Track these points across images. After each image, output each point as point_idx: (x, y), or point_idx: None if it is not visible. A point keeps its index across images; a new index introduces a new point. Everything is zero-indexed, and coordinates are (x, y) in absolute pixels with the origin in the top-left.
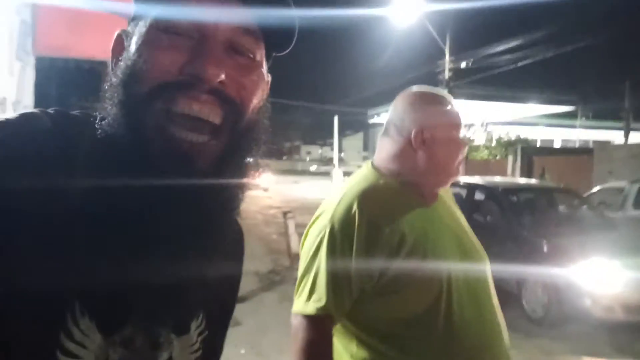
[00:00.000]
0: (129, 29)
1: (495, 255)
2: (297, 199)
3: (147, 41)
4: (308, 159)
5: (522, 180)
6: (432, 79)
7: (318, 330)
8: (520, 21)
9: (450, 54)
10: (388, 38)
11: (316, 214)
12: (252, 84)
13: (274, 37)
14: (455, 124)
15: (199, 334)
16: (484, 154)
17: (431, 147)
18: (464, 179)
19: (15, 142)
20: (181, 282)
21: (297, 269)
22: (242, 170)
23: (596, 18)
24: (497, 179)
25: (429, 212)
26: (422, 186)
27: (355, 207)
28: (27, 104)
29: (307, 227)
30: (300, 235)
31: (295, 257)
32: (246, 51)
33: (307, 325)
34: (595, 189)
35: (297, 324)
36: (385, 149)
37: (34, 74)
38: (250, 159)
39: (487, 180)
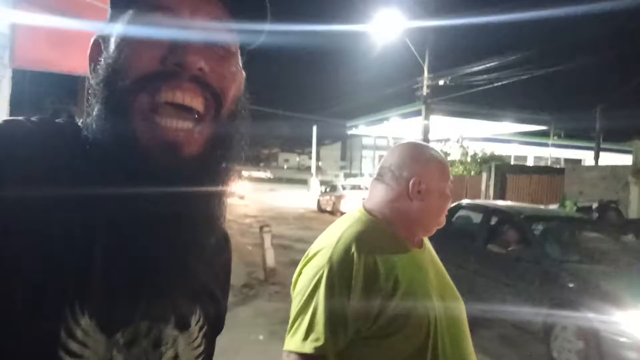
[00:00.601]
0: (106, 32)
1: (517, 292)
2: (274, 207)
3: (126, 39)
4: (286, 166)
5: (548, 208)
6: (411, 95)
7: None
8: (497, 42)
9: (429, 72)
10: (368, 53)
11: (309, 253)
12: (229, 73)
13: (246, 30)
14: (447, 179)
15: (200, 329)
16: (459, 169)
17: (425, 198)
18: (477, 202)
19: (2, 145)
20: (178, 276)
21: (272, 284)
22: (227, 161)
23: (569, 42)
24: (518, 204)
25: (416, 258)
26: (412, 233)
27: (353, 249)
28: (2, 117)
29: (300, 265)
30: (276, 248)
31: (270, 272)
32: (222, 43)
33: None
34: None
35: None
36: (379, 194)
37: (10, 87)
38: (234, 151)
39: (507, 205)
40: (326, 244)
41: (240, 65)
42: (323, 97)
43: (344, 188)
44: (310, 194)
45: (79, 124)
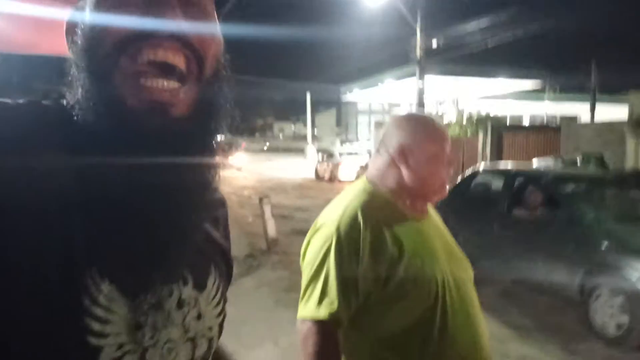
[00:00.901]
0: (80, 3)
1: (548, 257)
2: (272, 178)
3: (100, 5)
4: (281, 136)
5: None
6: (405, 56)
7: (329, 334)
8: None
9: (422, 33)
10: (360, 16)
11: (317, 224)
12: (209, 31)
13: None
14: (437, 142)
15: (217, 288)
16: (455, 131)
17: (412, 164)
18: (498, 165)
19: None
20: (191, 236)
21: (274, 253)
22: (215, 120)
23: None
24: (542, 163)
25: (419, 225)
26: (411, 201)
27: (360, 217)
28: None
29: (307, 237)
30: (276, 218)
31: (272, 242)
32: (197, 3)
33: (318, 330)
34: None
35: (306, 329)
36: (377, 165)
37: None
38: (221, 110)
39: (532, 166)
40: (333, 215)
41: (217, 23)
42: (316, 62)
43: (340, 155)
44: (307, 163)
45: (64, 103)
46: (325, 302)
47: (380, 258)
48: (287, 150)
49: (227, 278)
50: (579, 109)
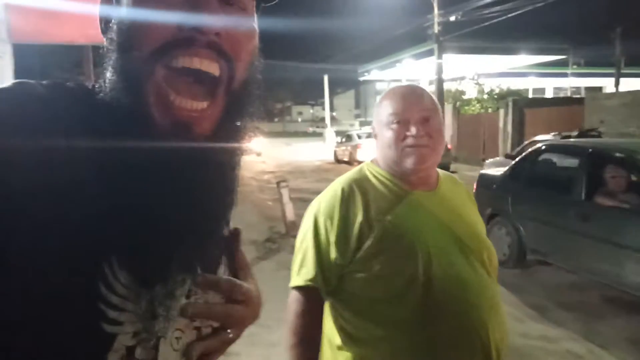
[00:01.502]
0: None
1: None
2: (291, 162)
3: (140, 3)
4: (300, 119)
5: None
6: (422, 33)
7: (306, 300)
8: None
9: (439, 8)
10: None
11: (318, 197)
12: (244, 37)
13: None
14: (394, 104)
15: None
16: (475, 107)
17: (378, 134)
18: (568, 142)
19: (14, 106)
20: (205, 230)
21: (293, 237)
22: (240, 132)
23: None
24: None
25: (417, 199)
26: (402, 173)
27: (339, 191)
28: None
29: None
30: (295, 201)
31: (291, 225)
32: (238, 2)
33: (298, 296)
34: (526, 142)
35: (290, 297)
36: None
37: (13, 62)
38: (247, 121)
39: (614, 144)
40: (322, 194)
41: (256, 23)
42: (332, 43)
43: (359, 137)
44: (326, 146)
45: (90, 86)
46: (303, 271)
47: (351, 229)
48: (306, 134)
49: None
50: (605, 82)
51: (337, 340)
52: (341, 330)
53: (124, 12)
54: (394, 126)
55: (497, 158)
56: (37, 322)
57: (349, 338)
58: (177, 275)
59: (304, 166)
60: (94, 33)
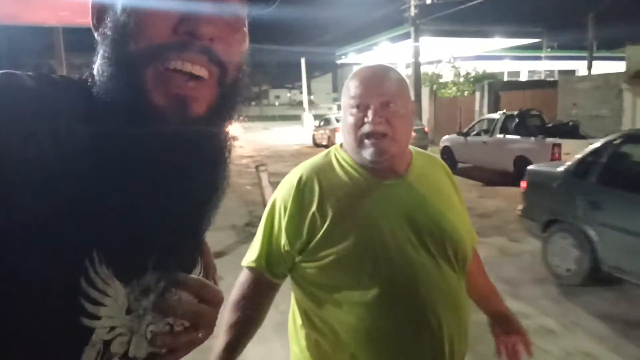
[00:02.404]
0: None
1: None
2: (269, 146)
3: (136, 2)
4: (277, 103)
5: None
6: (398, 16)
7: (249, 278)
8: None
9: None
10: None
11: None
12: (236, 43)
13: None
14: (355, 87)
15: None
16: (452, 91)
17: (341, 119)
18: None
19: (2, 98)
20: (187, 232)
21: None
22: (228, 122)
23: None
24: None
25: (377, 190)
26: (361, 159)
27: (296, 179)
28: None
29: None
30: (274, 185)
31: None
32: (231, 7)
33: (244, 275)
34: (475, 120)
35: (240, 274)
36: None
37: None
38: (235, 114)
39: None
40: (287, 176)
41: (246, 30)
42: (309, 26)
43: (337, 121)
44: (304, 130)
45: (74, 79)
46: (250, 252)
47: (301, 223)
48: (284, 118)
49: (213, 270)
50: (578, 66)
51: (299, 318)
52: (301, 309)
53: (119, 10)
54: (353, 110)
55: (452, 135)
56: (16, 316)
57: (307, 319)
58: (153, 272)
59: (283, 150)
60: (66, 15)
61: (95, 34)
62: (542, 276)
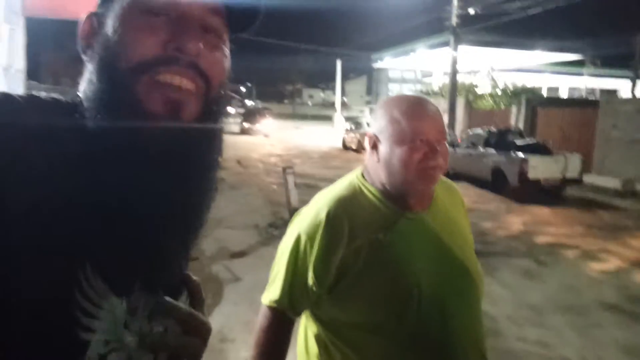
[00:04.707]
0: (100, 10)
1: None
2: (298, 146)
3: (126, 22)
4: (310, 102)
5: None
6: (439, 24)
7: (272, 320)
8: None
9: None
10: None
11: (298, 212)
12: (220, 60)
13: (238, 20)
14: (414, 131)
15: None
16: (488, 103)
17: (382, 150)
18: None
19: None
20: (175, 256)
21: None
22: (214, 134)
23: None
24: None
25: (408, 222)
26: (397, 193)
27: (323, 214)
28: (19, 68)
29: (291, 222)
30: (300, 187)
31: (294, 212)
32: (215, 30)
33: (265, 313)
34: (465, 133)
35: (260, 309)
36: (367, 157)
37: (25, 37)
38: (218, 125)
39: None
40: (308, 209)
41: (228, 51)
42: (347, 29)
43: (368, 125)
44: (335, 131)
45: (62, 99)
46: (271, 289)
47: (333, 260)
48: (316, 118)
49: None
50: (621, 84)
51: (314, 347)
52: (320, 342)
53: (109, 31)
54: (415, 145)
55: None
56: (9, 325)
57: (326, 352)
58: (139, 293)
59: (312, 151)
60: None
61: (83, 56)
62: (568, 303)
